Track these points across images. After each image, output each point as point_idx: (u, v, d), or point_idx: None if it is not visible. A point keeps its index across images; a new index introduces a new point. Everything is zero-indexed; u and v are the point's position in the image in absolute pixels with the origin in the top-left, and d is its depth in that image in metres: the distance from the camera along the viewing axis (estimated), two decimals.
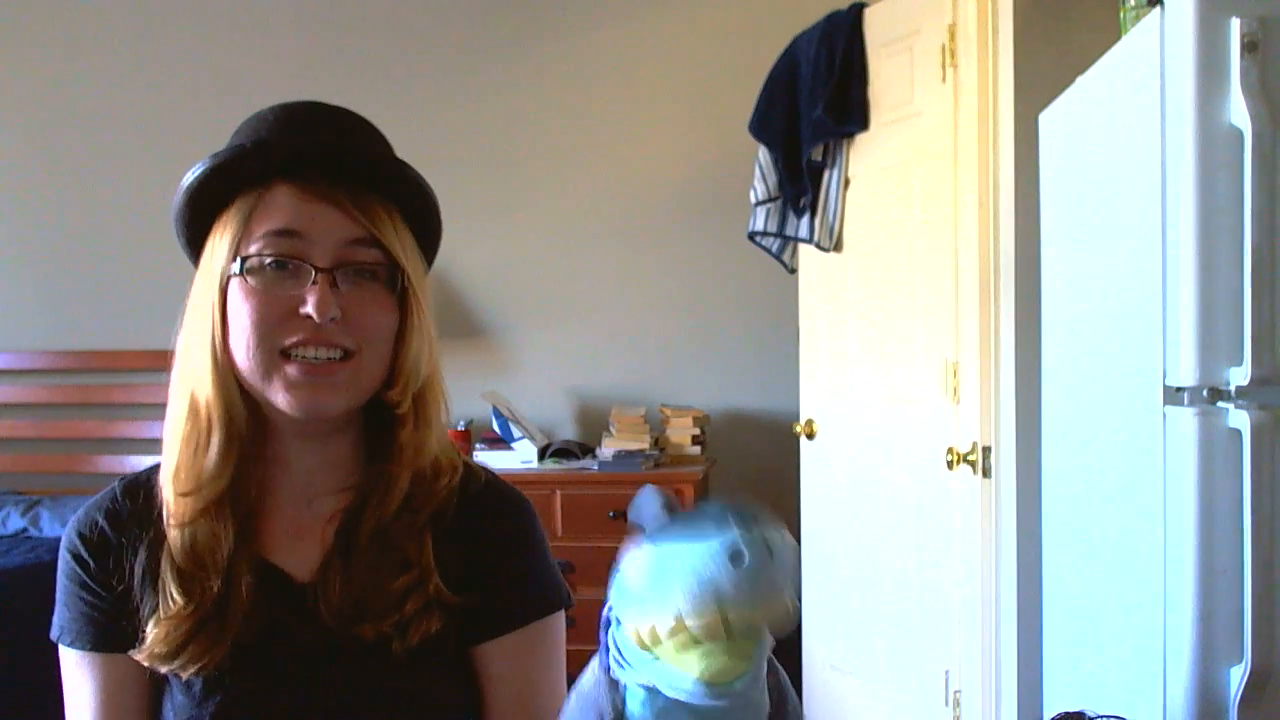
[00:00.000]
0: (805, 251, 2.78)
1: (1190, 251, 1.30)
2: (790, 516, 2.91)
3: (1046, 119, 1.93)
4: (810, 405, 2.81)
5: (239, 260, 0.88)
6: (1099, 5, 1.97)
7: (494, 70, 3.48)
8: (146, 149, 3.47)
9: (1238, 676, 1.26)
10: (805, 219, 2.68)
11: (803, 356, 2.86)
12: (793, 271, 2.88)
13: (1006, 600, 2.17)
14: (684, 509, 0.66)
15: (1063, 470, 1.88)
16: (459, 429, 3.24)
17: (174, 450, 0.91)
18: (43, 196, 3.55)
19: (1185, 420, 1.31)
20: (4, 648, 2.35)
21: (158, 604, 0.89)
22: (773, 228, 2.76)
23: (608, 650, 0.68)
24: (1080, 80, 1.76)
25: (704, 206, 3.41)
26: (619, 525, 2.82)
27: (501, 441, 3.21)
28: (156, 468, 0.95)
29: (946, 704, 2.35)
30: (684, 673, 0.62)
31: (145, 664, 0.89)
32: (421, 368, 0.94)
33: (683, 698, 0.62)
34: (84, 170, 3.54)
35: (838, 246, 2.64)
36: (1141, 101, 1.43)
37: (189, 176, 0.90)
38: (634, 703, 0.65)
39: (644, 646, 0.63)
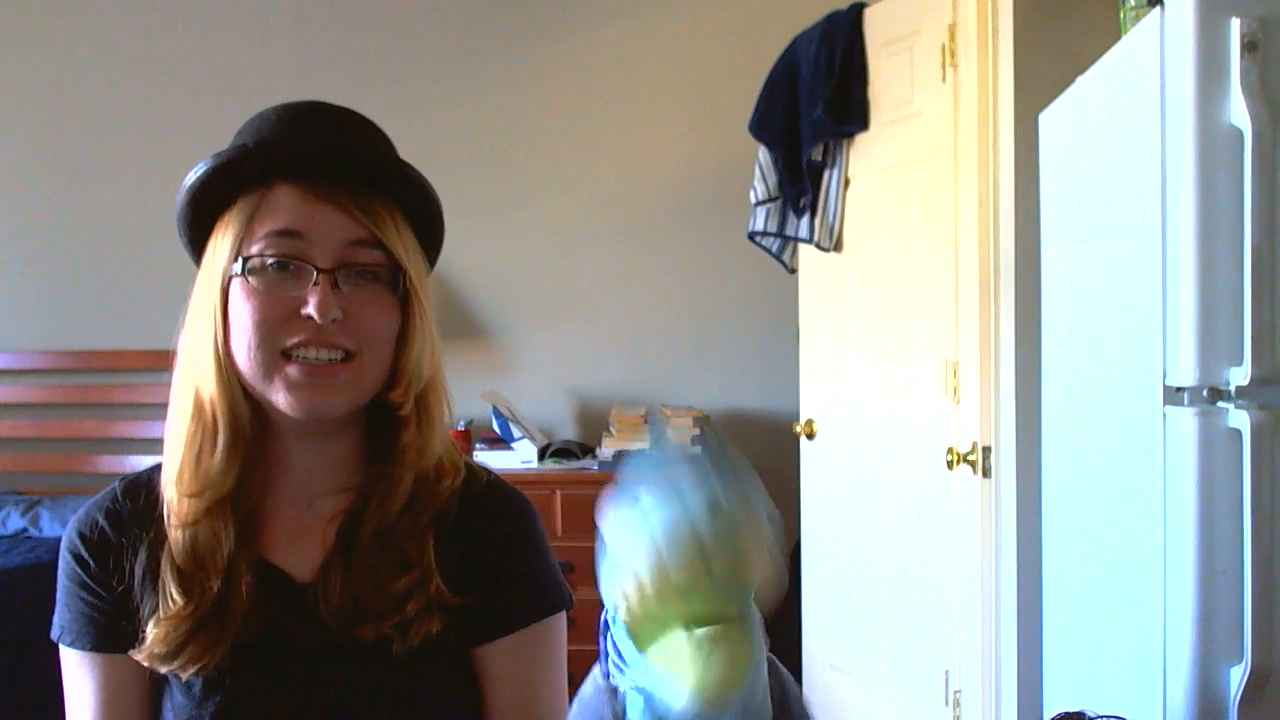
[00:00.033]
0: (805, 251, 2.78)
1: (1190, 251, 1.30)
2: (790, 516, 2.91)
3: (1046, 119, 1.93)
4: (810, 405, 2.81)
5: (241, 260, 0.88)
6: (1099, 5, 1.97)
7: (494, 70, 3.48)
8: (147, 149, 3.47)
9: (1238, 676, 1.26)
10: (805, 219, 2.68)
11: (803, 356, 2.86)
12: (793, 271, 2.88)
13: (1006, 600, 2.17)
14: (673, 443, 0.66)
15: (1063, 470, 1.88)
16: (459, 429, 3.24)
17: (177, 451, 0.91)
18: (43, 196, 3.55)
19: (1185, 420, 1.31)
20: (4, 648, 2.35)
21: (157, 604, 0.89)
22: (773, 228, 2.76)
23: (607, 656, 0.68)
24: (1080, 80, 1.76)
25: (704, 206, 3.41)
26: None
27: (501, 441, 3.21)
28: (157, 468, 0.95)
29: (946, 704, 2.35)
30: (679, 685, 0.62)
31: (145, 664, 0.89)
32: (424, 369, 0.94)
33: (673, 710, 0.62)
34: (84, 170, 3.54)
35: (838, 246, 2.64)
36: (1141, 101, 1.43)
37: (191, 176, 0.89)
38: (633, 711, 0.65)
39: (633, 622, 0.63)
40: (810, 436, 2.79)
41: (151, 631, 0.88)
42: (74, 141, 3.53)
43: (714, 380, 3.43)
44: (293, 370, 0.87)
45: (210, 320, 0.89)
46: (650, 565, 0.62)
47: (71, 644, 0.93)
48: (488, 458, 3.11)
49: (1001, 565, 2.19)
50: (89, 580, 0.93)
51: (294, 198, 0.88)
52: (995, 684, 2.23)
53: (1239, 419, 1.26)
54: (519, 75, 3.48)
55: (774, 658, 0.72)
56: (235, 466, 0.90)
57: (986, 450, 2.22)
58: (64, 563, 0.95)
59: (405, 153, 0.97)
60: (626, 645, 0.65)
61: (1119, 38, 1.66)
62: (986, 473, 2.22)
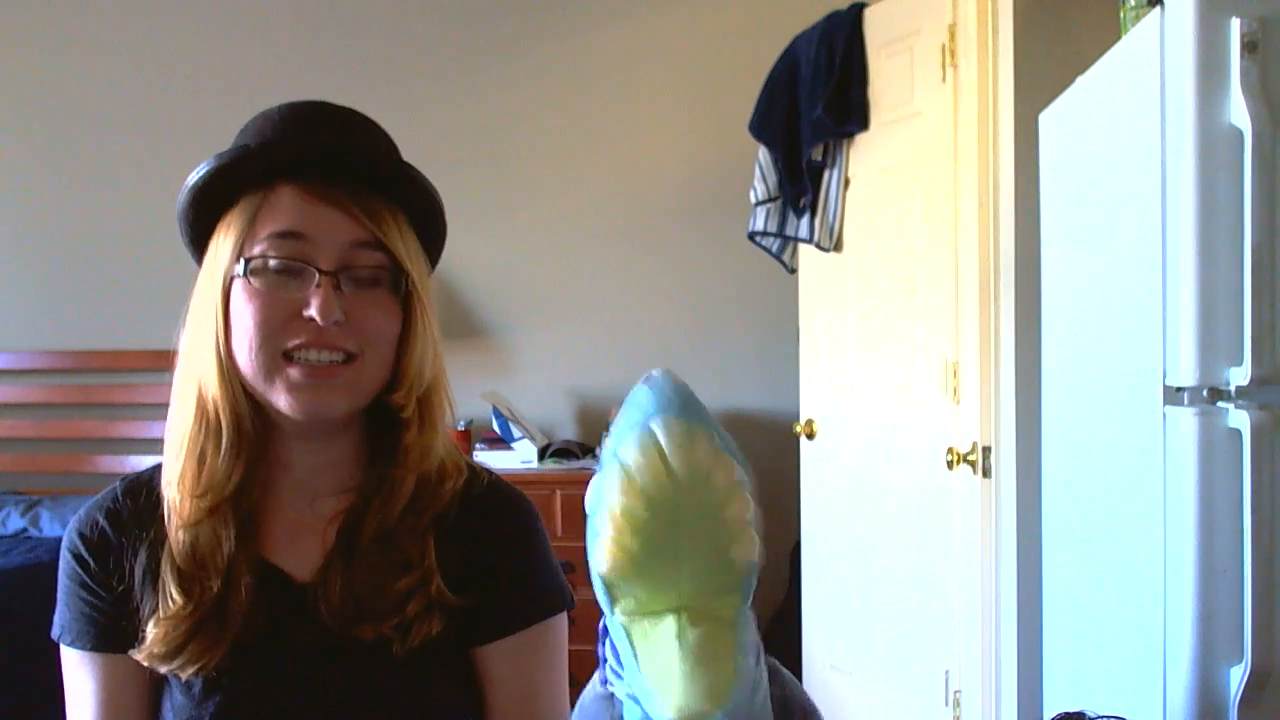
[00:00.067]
0: (805, 251, 2.78)
1: (1190, 251, 1.30)
2: (790, 516, 2.91)
3: (1046, 119, 1.93)
4: (810, 405, 2.81)
5: (243, 261, 0.87)
6: (1099, 5, 1.97)
7: (494, 70, 3.48)
8: (147, 149, 3.47)
9: (1238, 676, 1.26)
10: (805, 219, 2.68)
11: (803, 356, 2.86)
12: (793, 271, 2.88)
13: (1006, 600, 2.17)
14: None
15: (1063, 470, 1.88)
16: (459, 429, 3.24)
17: (180, 452, 0.90)
18: (43, 196, 3.55)
19: (1185, 420, 1.32)
20: (4, 648, 2.35)
21: (157, 604, 0.89)
22: (773, 228, 2.76)
23: (605, 661, 0.68)
24: (1080, 80, 1.76)
25: (704, 206, 3.41)
26: None
27: (501, 441, 3.21)
28: (158, 468, 0.95)
29: (946, 704, 2.35)
30: (661, 702, 0.61)
31: (145, 664, 0.89)
32: (426, 371, 0.94)
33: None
34: (84, 170, 3.54)
35: (838, 246, 2.64)
36: (1141, 101, 1.43)
37: (194, 176, 0.89)
38: (630, 717, 0.65)
39: (614, 575, 0.64)
40: (810, 436, 2.79)
41: (151, 631, 0.88)
42: (74, 141, 3.54)
43: (714, 380, 3.43)
44: (294, 372, 0.87)
45: (212, 321, 0.89)
46: (615, 474, 0.64)
47: (72, 644, 0.93)
48: (488, 458, 3.11)
49: (1001, 565, 2.19)
50: (89, 580, 0.93)
51: (296, 198, 0.88)
52: (995, 684, 2.23)
53: (1239, 419, 1.26)
54: (519, 75, 3.48)
55: (776, 662, 0.72)
56: (238, 468, 0.90)
57: (986, 450, 2.22)
58: (64, 562, 0.95)
59: (406, 153, 0.97)
60: (624, 647, 0.65)
61: (1119, 38, 1.66)
62: (986, 473, 2.22)
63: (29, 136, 3.55)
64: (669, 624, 0.64)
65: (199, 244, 0.93)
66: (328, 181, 0.88)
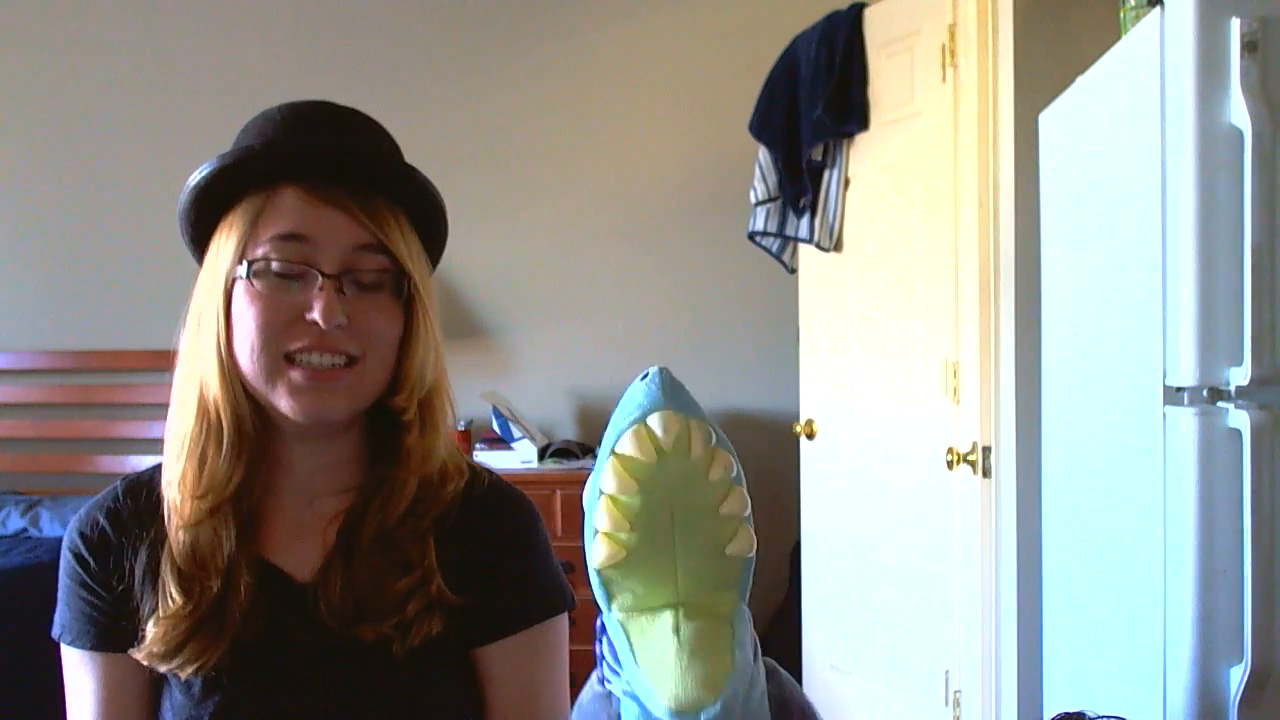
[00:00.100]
0: (805, 251, 2.78)
1: (1190, 251, 1.30)
2: (790, 517, 2.91)
3: (1046, 119, 1.93)
4: (810, 405, 2.81)
5: (245, 263, 0.87)
6: (1099, 5, 1.97)
7: (494, 70, 3.48)
8: (147, 149, 3.47)
9: (1238, 676, 1.26)
10: (805, 219, 2.68)
11: (803, 357, 2.86)
12: (793, 271, 2.88)
13: (1006, 600, 2.17)
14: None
15: (1063, 470, 1.88)
16: (459, 429, 3.24)
17: (181, 453, 0.90)
18: (43, 196, 3.55)
19: (1185, 420, 1.32)
20: (4, 647, 2.35)
21: (157, 603, 0.89)
22: (773, 228, 2.76)
23: (602, 659, 0.68)
24: (1080, 80, 1.76)
25: (704, 206, 3.41)
26: None
27: (501, 441, 3.21)
28: (159, 468, 0.95)
29: (946, 704, 2.35)
30: (657, 696, 0.62)
31: (144, 663, 0.89)
32: (427, 374, 0.94)
33: (664, 714, 0.62)
34: (84, 170, 3.54)
35: (838, 246, 2.64)
36: (1141, 101, 1.43)
37: (196, 176, 0.89)
38: (628, 715, 0.65)
39: (609, 565, 0.65)
40: (810, 436, 2.79)
41: (150, 630, 0.88)
42: (74, 141, 3.53)
43: (714, 380, 3.43)
44: (296, 375, 0.87)
45: (213, 322, 0.89)
46: (613, 478, 0.64)
47: (72, 643, 0.93)
48: (488, 458, 3.11)
49: (1001, 565, 2.19)
50: (89, 580, 0.93)
51: (299, 200, 0.88)
52: (995, 684, 2.23)
53: (1239, 419, 1.26)
54: (519, 75, 3.48)
55: (774, 663, 0.72)
56: (239, 468, 0.90)
57: (986, 450, 2.22)
58: (65, 562, 0.95)
59: (406, 152, 0.97)
60: (621, 644, 0.65)
61: (1119, 38, 1.66)
62: (986, 473, 2.22)
63: (29, 136, 3.55)
64: (666, 619, 0.64)
65: (200, 243, 0.93)
66: (330, 182, 0.88)
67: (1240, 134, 1.25)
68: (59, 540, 0.97)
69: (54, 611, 0.95)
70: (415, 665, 0.90)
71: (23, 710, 2.34)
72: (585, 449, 3.19)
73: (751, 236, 2.83)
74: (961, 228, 2.28)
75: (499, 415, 3.19)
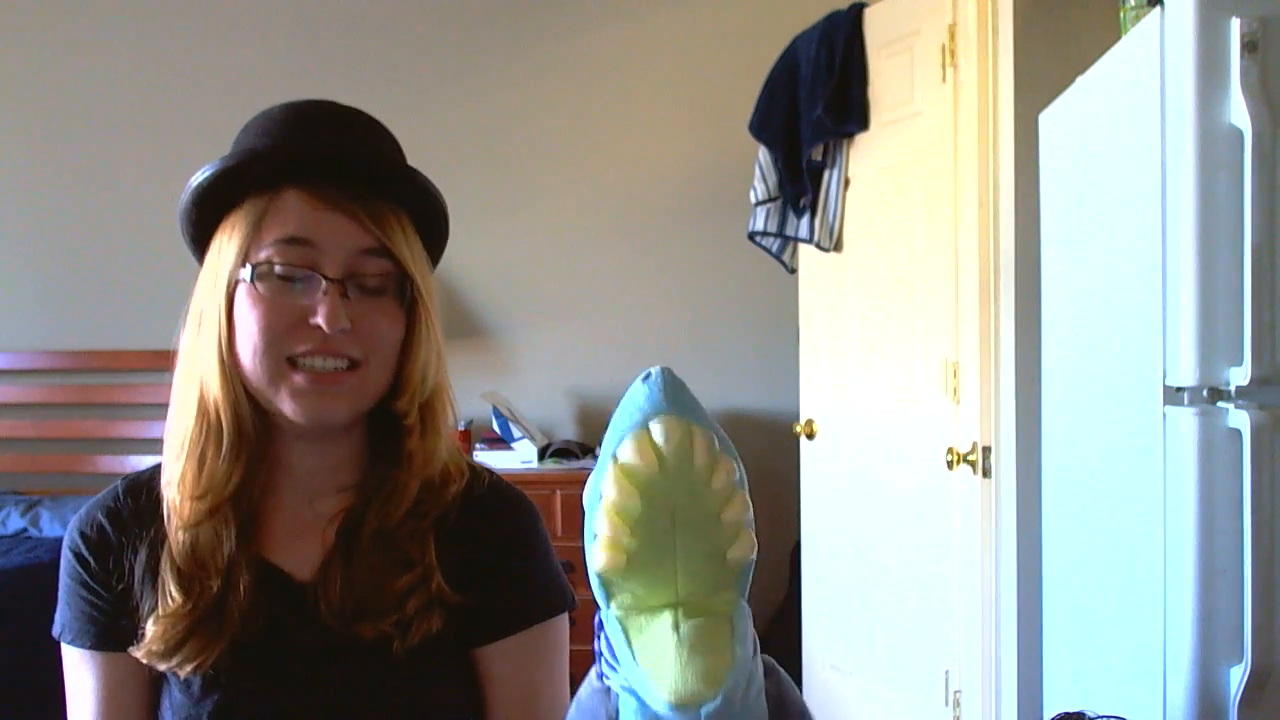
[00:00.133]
0: (805, 251, 2.78)
1: (1190, 251, 1.30)
2: (790, 517, 2.91)
3: (1046, 119, 1.93)
4: (810, 405, 2.81)
5: (249, 267, 0.87)
6: (1099, 5, 1.97)
7: (494, 70, 3.48)
8: (146, 149, 3.47)
9: (1238, 676, 1.26)
10: (805, 219, 2.68)
11: (803, 356, 2.86)
12: (793, 271, 2.88)
13: (1006, 600, 2.17)
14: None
15: (1063, 470, 1.88)
16: (459, 429, 3.24)
17: (180, 453, 0.90)
18: (43, 196, 3.55)
19: (1185, 420, 1.32)
20: (4, 647, 2.35)
21: (156, 602, 0.89)
22: (773, 228, 2.76)
23: (601, 656, 0.68)
24: (1080, 80, 1.76)
25: (704, 206, 3.41)
26: None
27: (501, 441, 3.21)
28: (159, 467, 0.95)
29: (946, 704, 2.35)
30: (656, 689, 0.62)
31: (143, 661, 0.89)
32: (429, 378, 0.94)
33: (664, 708, 0.62)
34: (84, 170, 3.54)
35: (838, 246, 2.64)
36: (1141, 101, 1.43)
37: (198, 177, 0.89)
38: (626, 711, 0.65)
39: (610, 574, 0.64)
40: (810, 436, 2.79)
41: (150, 629, 0.88)
42: (74, 142, 3.54)
43: (714, 380, 3.43)
44: (299, 378, 0.87)
45: (214, 323, 0.89)
46: (606, 465, 0.64)
47: (72, 642, 0.93)
48: (488, 458, 3.11)
49: (1001, 565, 2.19)
50: (89, 579, 0.93)
51: (302, 203, 0.87)
52: (995, 684, 2.23)
53: (1239, 419, 1.26)
54: (519, 75, 3.48)
55: (772, 660, 0.72)
56: (238, 469, 0.90)
57: (986, 450, 2.22)
58: (65, 561, 0.95)
59: (406, 152, 0.97)
60: (618, 641, 0.65)
61: (1119, 38, 1.66)
62: (986, 473, 2.22)
63: (29, 136, 3.55)
64: (665, 617, 0.64)
65: (200, 242, 0.93)
66: (333, 185, 0.88)
67: (1240, 134, 1.25)
68: (59, 540, 0.97)
69: (54, 611, 0.95)
70: (415, 665, 0.90)
71: (23, 710, 2.34)
72: (585, 449, 3.20)
73: (751, 236, 2.83)
74: (961, 228, 2.28)
75: (499, 415, 3.19)
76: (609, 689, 0.67)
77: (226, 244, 0.89)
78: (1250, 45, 1.26)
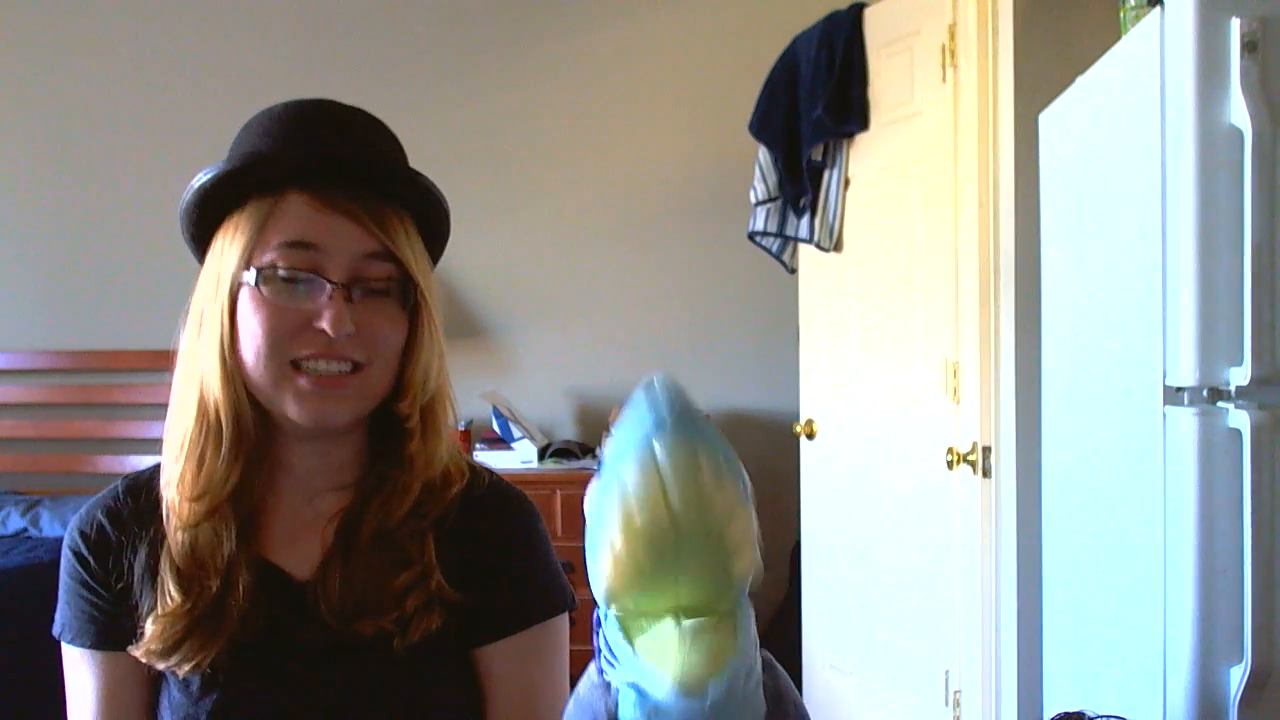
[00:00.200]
0: (805, 251, 2.78)
1: (1190, 251, 1.30)
2: (790, 517, 2.91)
3: (1046, 119, 1.93)
4: (810, 405, 2.81)
5: (253, 270, 0.87)
6: (1099, 5, 1.97)
7: (494, 70, 3.49)
8: (147, 149, 3.47)
9: (1238, 676, 1.26)
10: (805, 219, 2.68)
11: (803, 357, 2.86)
12: (793, 271, 2.88)
13: (1006, 600, 2.17)
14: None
15: (1063, 470, 1.88)
16: (460, 429, 3.24)
17: (180, 454, 0.90)
18: (43, 196, 3.55)
19: (1185, 420, 1.32)
20: (4, 648, 2.35)
21: (156, 602, 0.89)
22: (773, 228, 2.76)
23: (600, 652, 0.68)
24: (1080, 80, 1.76)
25: (704, 206, 3.41)
26: None
27: (501, 441, 3.21)
28: (159, 467, 0.95)
29: (946, 704, 2.35)
30: (660, 674, 0.62)
31: (142, 660, 0.89)
32: (431, 380, 0.94)
33: (661, 701, 0.62)
34: (84, 170, 3.54)
35: (838, 246, 2.64)
36: (1141, 101, 1.43)
37: (202, 177, 0.89)
38: (625, 705, 0.65)
39: (615, 590, 0.64)
40: (810, 436, 2.79)
41: (149, 628, 0.88)
42: (74, 141, 3.54)
43: (714, 380, 3.43)
44: (302, 381, 0.87)
45: (216, 324, 0.89)
46: (616, 519, 0.64)
47: (72, 641, 0.93)
48: (488, 458, 3.11)
49: (1001, 565, 2.19)
50: (89, 578, 0.93)
51: (306, 207, 0.87)
52: (995, 684, 2.23)
53: (1239, 419, 1.26)
54: (519, 75, 3.48)
55: (770, 656, 0.72)
56: (237, 470, 0.90)
57: (986, 450, 2.22)
58: (65, 561, 0.95)
59: (406, 152, 0.97)
60: (617, 638, 0.66)
61: (1119, 38, 1.66)
62: (986, 473, 2.22)
63: (29, 136, 3.55)
64: (667, 618, 0.65)
65: (201, 241, 0.93)
66: (336, 187, 0.88)
67: (1240, 134, 1.25)
68: (59, 540, 0.98)
69: (54, 611, 0.95)
70: (415, 664, 0.90)
71: (23, 710, 2.34)
72: (585, 449, 3.20)
73: (751, 236, 2.83)
74: (961, 228, 2.28)
75: (499, 415, 3.19)
76: (608, 684, 0.68)
77: (229, 245, 0.89)
78: (1250, 45, 1.26)
